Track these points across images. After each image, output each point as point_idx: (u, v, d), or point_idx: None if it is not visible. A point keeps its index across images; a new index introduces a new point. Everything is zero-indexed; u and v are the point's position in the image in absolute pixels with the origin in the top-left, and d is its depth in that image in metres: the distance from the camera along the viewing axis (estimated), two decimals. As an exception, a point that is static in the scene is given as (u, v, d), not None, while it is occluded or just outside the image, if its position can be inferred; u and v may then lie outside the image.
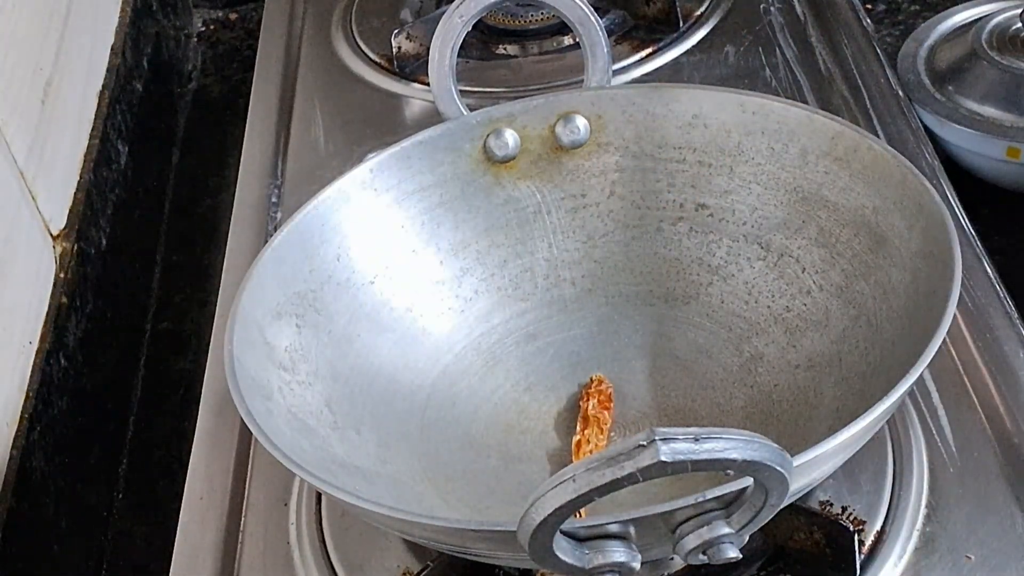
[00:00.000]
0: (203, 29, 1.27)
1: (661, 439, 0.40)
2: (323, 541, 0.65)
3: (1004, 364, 0.68)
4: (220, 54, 1.23)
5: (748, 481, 0.46)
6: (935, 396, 0.67)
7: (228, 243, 0.86)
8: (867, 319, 0.63)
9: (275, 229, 0.76)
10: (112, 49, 1.01)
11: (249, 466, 0.70)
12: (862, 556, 0.59)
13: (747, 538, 0.48)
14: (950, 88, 0.91)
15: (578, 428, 0.65)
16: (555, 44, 0.97)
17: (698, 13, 0.98)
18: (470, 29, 0.72)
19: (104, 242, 0.90)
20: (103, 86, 0.97)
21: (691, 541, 0.47)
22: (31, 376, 0.75)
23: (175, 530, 0.68)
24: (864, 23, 0.95)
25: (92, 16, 0.99)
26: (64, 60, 0.90)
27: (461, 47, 0.72)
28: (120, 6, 1.06)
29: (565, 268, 0.74)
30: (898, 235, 0.62)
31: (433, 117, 0.74)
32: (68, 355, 0.80)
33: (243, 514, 0.68)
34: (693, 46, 0.95)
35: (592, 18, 0.72)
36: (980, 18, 0.94)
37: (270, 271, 0.65)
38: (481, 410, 0.69)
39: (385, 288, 0.70)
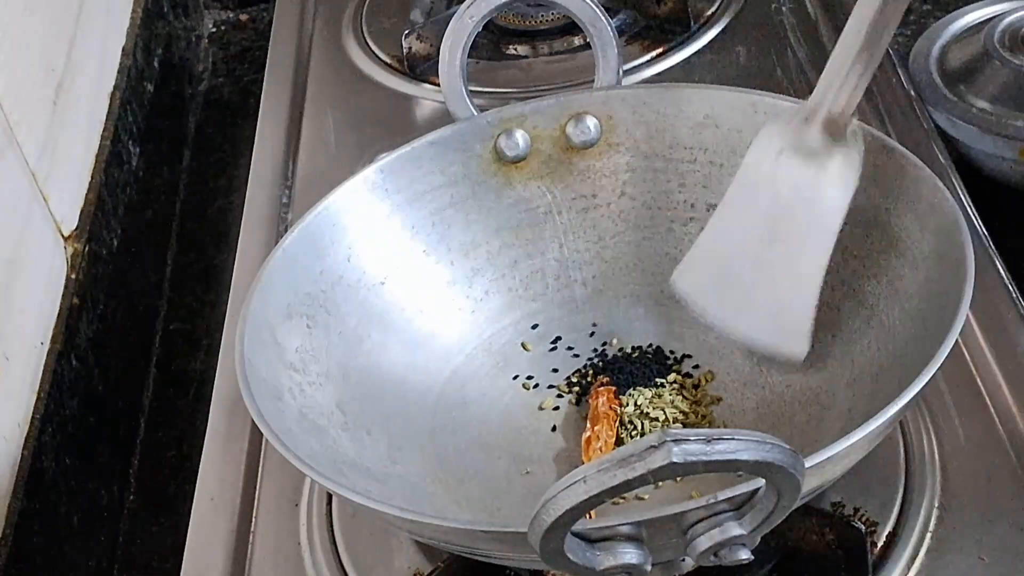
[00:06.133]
0: (214, 30, 1.27)
1: (673, 440, 0.40)
2: (334, 542, 0.65)
3: (1016, 365, 0.68)
4: (231, 55, 1.24)
5: (760, 482, 0.46)
6: (947, 397, 0.66)
7: (239, 244, 0.86)
8: (879, 320, 0.63)
9: (286, 230, 0.76)
10: (123, 50, 1.01)
11: (260, 467, 0.70)
12: (874, 557, 0.59)
13: (759, 539, 0.48)
14: (962, 88, 0.90)
15: (588, 425, 0.65)
16: (566, 44, 0.97)
17: (709, 13, 0.98)
18: (480, 30, 0.72)
19: (115, 243, 0.90)
20: (114, 87, 0.97)
21: (703, 543, 0.47)
22: (42, 376, 0.75)
23: (186, 530, 0.68)
24: (876, 23, 0.95)
25: (104, 17, 0.99)
26: (76, 61, 0.90)
27: (472, 48, 0.72)
28: (132, 7, 1.06)
29: (576, 268, 0.74)
30: (910, 236, 0.62)
31: (444, 118, 0.74)
32: (79, 356, 0.80)
33: (254, 515, 0.68)
34: (704, 46, 0.95)
35: (603, 18, 0.72)
36: (992, 18, 0.94)
37: (281, 272, 0.65)
38: (492, 411, 0.69)
39: (395, 289, 0.70)
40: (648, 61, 0.94)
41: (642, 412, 0.66)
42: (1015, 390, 0.66)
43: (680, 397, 0.67)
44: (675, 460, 0.40)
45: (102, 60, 0.97)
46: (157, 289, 0.97)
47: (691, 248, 0.65)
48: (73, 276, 0.82)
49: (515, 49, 0.97)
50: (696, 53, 0.95)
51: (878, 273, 0.64)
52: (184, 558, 0.67)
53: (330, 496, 0.67)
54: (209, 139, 1.13)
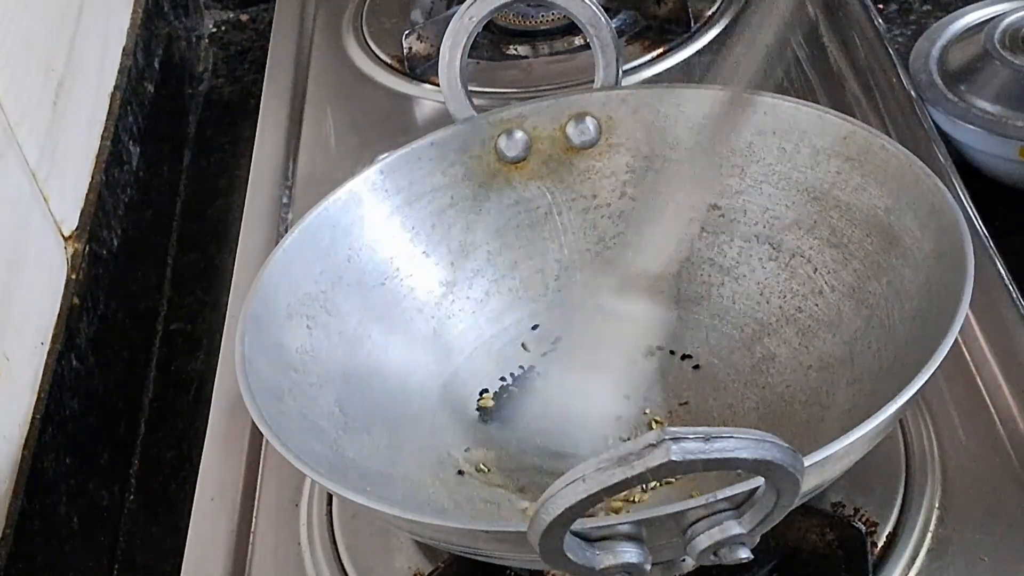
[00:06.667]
0: (214, 30, 1.27)
1: (672, 439, 0.40)
2: (334, 542, 0.65)
3: (1017, 365, 0.68)
4: (231, 55, 1.24)
5: (759, 481, 0.46)
6: (947, 396, 0.66)
7: (239, 244, 0.86)
8: (879, 320, 0.63)
9: (286, 230, 0.76)
10: (124, 50, 1.01)
11: (260, 467, 0.70)
12: (874, 557, 0.59)
13: (759, 539, 0.48)
14: (962, 88, 0.90)
15: None
16: (566, 44, 0.97)
17: (709, 13, 0.98)
18: (481, 30, 0.72)
19: (116, 243, 0.90)
20: (115, 87, 0.97)
21: (702, 542, 0.47)
22: (43, 377, 0.75)
23: (186, 531, 0.68)
24: (876, 23, 0.95)
25: (104, 17, 0.99)
26: (76, 61, 0.90)
27: (472, 48, 0.72)
28: (132, 7, 1.06)
29: (576, 269, 0.73)
30: (910, 235, 0.62)
31: (444, 118, 0.74)
32: (80, 356, 0.80)
33: (254, 515, 0.68)
34: (704, 46, 0.95)
35: (603, 18, 0.72)
36: (992, 18, 0.94)
37: (281, 272, 0.65)
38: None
39: (396, 289, 0.70)
40: (648, 61, 0.94)
41: None
42: (1015, 390, 0.66)
43: None
44: (674, 458, 0.40)
45: (102, 60, 0.97)
46: (157, 289, 0.97)
47: None
48: (73, 276, 0.82)
49: (515, 49, 0.97)
50: (696, 53, 0.95)
51: (878, 273, 0.64)
52: (184, 558, 0.67)
53: (330, 496, 0.67)
54: (209, 139, 1.13)
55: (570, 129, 0.72)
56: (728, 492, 0.46)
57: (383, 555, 0.64)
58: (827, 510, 0.60)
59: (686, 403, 0.68)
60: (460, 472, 0.65)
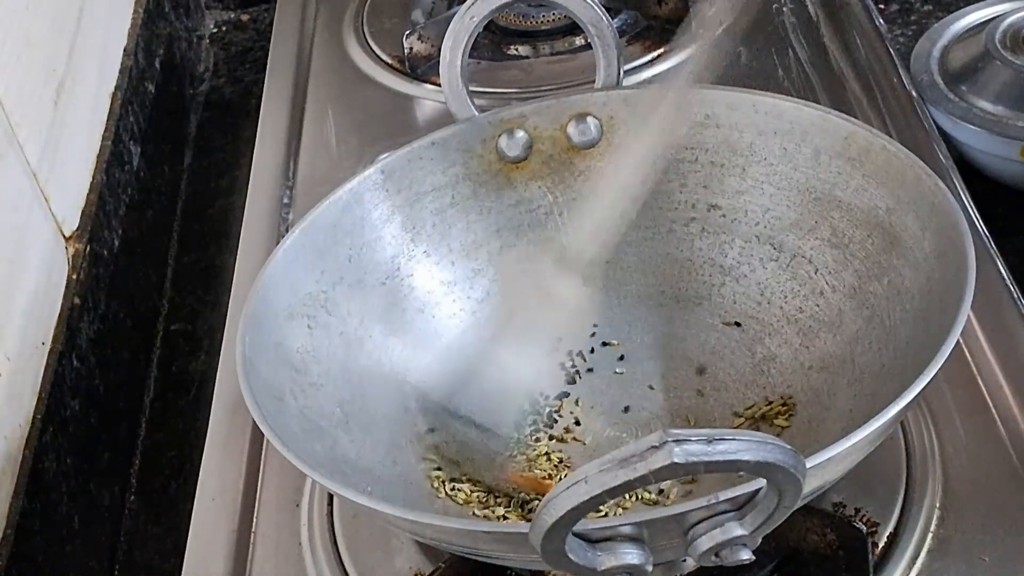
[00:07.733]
0: (215, 31, 1.27)
1: (674, 440, 0.40)
2: (335, 542, 0.65)
3: (1018, 365, 0.68)
4: (232, 55, 1.24)
5: (761, 483, 0.46)
6: (948, 397, 0.66)
7: (240, 244, 0.86)
8: (880, 320, 0.63)
9: (287, 230, 0.76)
10: (125, 50, 1.02)
11: (261, 467, 0.70)
12: (875, 558, 0.59)
13: (760, 540, 0.48)
14: (963, 88, 0.90)
15: None
16: (567, 44, 0.97)
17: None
18: (482, 30, 0.72)
19: (116, 243, 0.90)
20: (116, 87, 0.97)
21: (704, 543, 0.47)
22: (44, 377, 0.75)
23: (187, 531, 0.68)
24: (877, 23, 0.95)
25: (105, 18, 0.99)
26: (77, 61, 0.90)
27: (473, 48, 0.72)
28: (133, 8, 1.06)
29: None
30: (912, 236, 0.62)
31: (445, 118, 0.74)
32: (81, 356, 0.80)
33: (255, 515, 0.68)
34: (705, 47, 0.95)
35: (604, 18, 0.72)
36: (993, 18, 0.94)
37: (282, 272, 0.65)
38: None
39: (396, 289, 0.70)
40: (649, 61, 0.94)
41: None
42: (1016, 390, 0.66)
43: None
44: (676, 460, 0.40)
45: (103, 60, 0.97)
46: (158, 289, 0.97)
47: None
48: (74, 276, 0.82)
49: (516, 49, 0.97)
50: (697, 53, 0.95)
51: (879, 273, 0.64)
52: (185, 558, 0.67)
53: (331, 496, 0.67)
54: (210, 139, 1.13)
55: (571, 129, 0.72)
56: (730, 493, 0.46)
57: (384, 555, 0.64)
58: (828, 510, 0.60)
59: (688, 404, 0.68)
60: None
